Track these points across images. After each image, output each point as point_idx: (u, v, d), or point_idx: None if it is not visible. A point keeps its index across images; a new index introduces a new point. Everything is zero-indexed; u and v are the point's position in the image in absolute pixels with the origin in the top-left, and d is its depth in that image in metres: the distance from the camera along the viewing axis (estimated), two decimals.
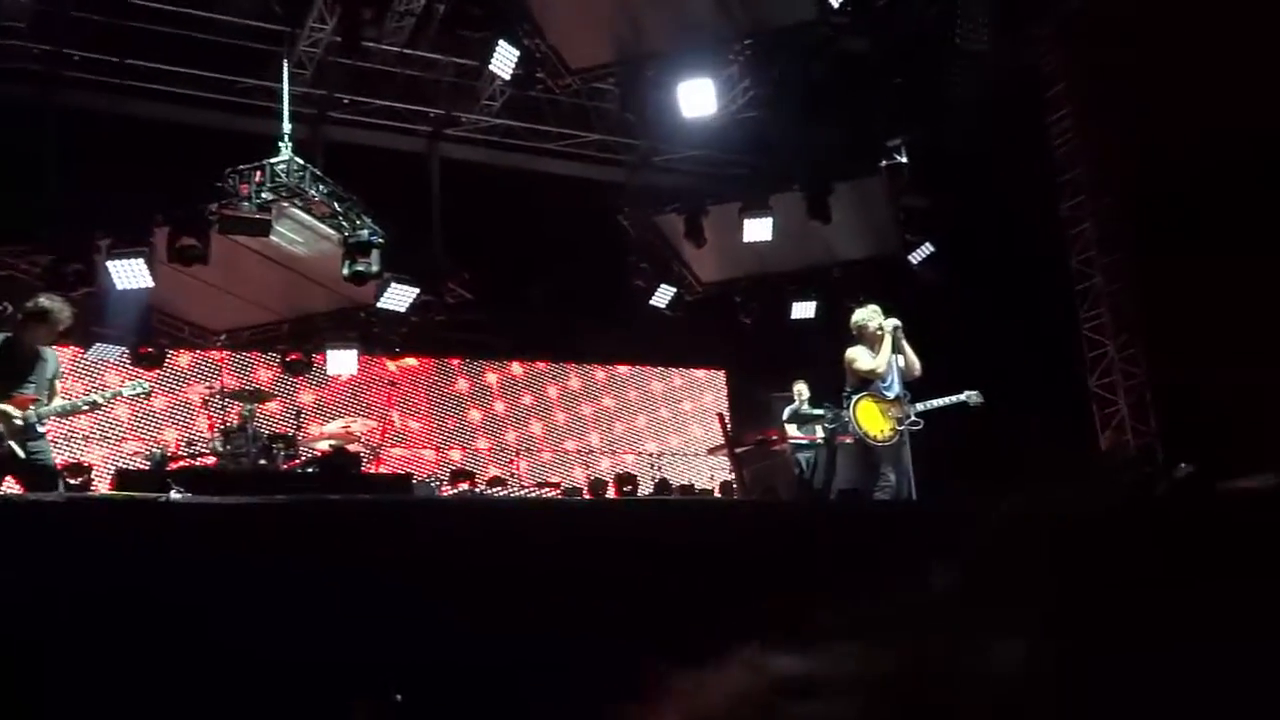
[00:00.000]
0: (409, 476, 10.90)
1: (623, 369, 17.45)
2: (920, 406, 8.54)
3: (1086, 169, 15.89)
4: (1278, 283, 13.25)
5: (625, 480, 14.48)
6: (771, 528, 5.40)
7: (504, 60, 11.93)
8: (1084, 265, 15.95)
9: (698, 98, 12.48)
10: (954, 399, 8.70)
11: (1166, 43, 13.32)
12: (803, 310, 15.77)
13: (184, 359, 14.41)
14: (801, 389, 12.12)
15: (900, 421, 8.30)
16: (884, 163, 13.71)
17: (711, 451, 15.02)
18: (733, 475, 13.33)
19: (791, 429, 11.64)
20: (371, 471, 11.83)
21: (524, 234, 14.94)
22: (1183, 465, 10.84)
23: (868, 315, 8.71)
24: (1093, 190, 15.87)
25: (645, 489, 15.50)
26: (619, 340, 16.95)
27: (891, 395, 8.44)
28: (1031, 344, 18.91)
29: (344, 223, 11.73)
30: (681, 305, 15.34)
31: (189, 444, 11.87)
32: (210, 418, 11.52)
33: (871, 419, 8.29)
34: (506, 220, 14.92)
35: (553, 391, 16.89)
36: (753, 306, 15.77)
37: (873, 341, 8.60)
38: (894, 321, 8.65)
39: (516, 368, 16.74)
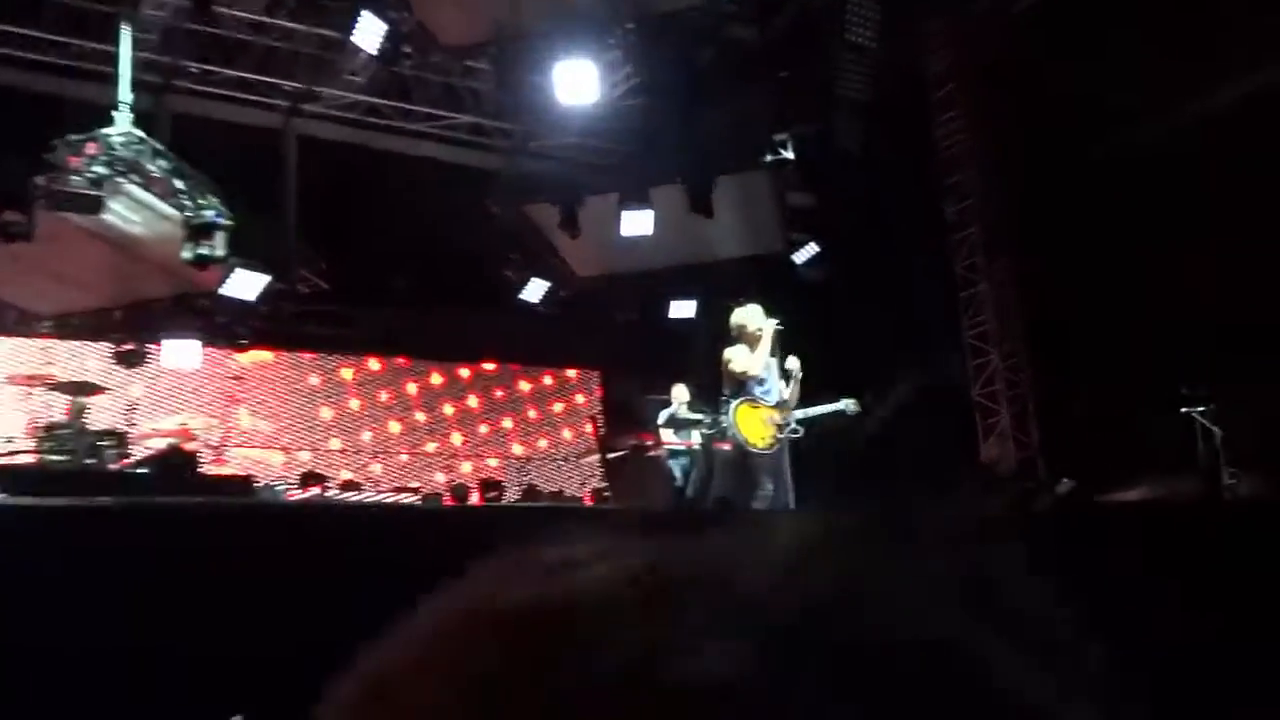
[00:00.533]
0: (251, 479, 10.64)
1: (489, 367, 17.35)
2: (798, 414, 8.66)
3: (973, 173, 16.31)
4: (1169, 291, 13.85)
5: (490, 486, 14.41)
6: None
7: (369, 32, 11.74)
8: (969, 271, 16.37)
9: (577, 82, 12.47)
10: (831, 407, 8.86)
11: (1060, 44, 13.80)
12: (682, 309, 16.00)
13: (4, 345, 13.84)
14: (680, 392, 12.19)
15: (780, 429, 8.41)
16: (769, 158, 13.85)
17: (582, 456, 15.01)
18: (604, 482, 13.33)
19: (667, 434, 11.68)
20: (211, 473, 11.53)
21: (386, 221, 14.76)
22: (1065, 480, 11.22)
23: (747, 315, 8.80)
24: (979, 194, 16.30)
25: (512, 495, 15.45)
26: (486, 336, 16.86)
27: (771, 401, 8.53)
28: (914, 350, 19.42)
29: (186, 202, 11.42)
30: (554, 301, 15.34)
31: (7, 439, 11.38)
32: (32, 411, 11.07)
33: (751, 426, 8.38)
34: (368, 205, 14.75)
35: (413, 389, 16.70)
36: (630, 304, 15.82)
37: (752, 342, 8.68)
38: (773, 323, 8.75)
39: (374, 363, 16.51)
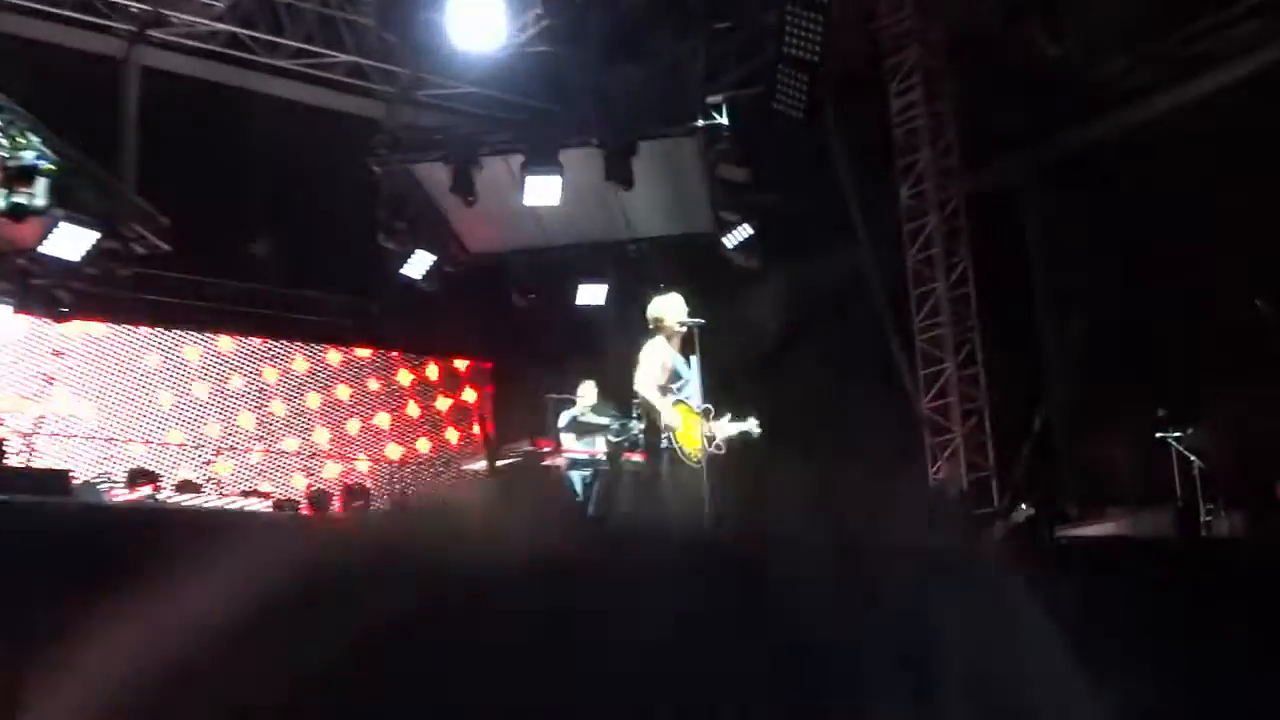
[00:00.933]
0: (68, 474, 10.36)
1: (363, 353, 17.16)
2: (716, 428, 8.66)
3: (932, 154, 16.41)
4: (1151, 295, 14.10)
5: (356, 494, 14.27)
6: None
7: None
8: (924, 265, 16.47)
9: (477, 22, 12.31)
10: (739, 427, 8.84)
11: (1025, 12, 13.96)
12: (592, 294, 15.98)
13: None
14: (587, 391, 12.12)
15: (709, 442, 8.42)
16: (700, 122, 13.84)
17: (468, 463, 14.89)
18: (493, 493, 13.16)
19: (569, 439, 11.60)
20: (19, 465, 11.24)
21: (245, 174, 14.53)
22: (1022, 507, 11.36)
23: (667, 306, 8.75)
24: (939, 179, 16.40)
25: (382, 505, 15.22)
26: (360, 316, 16.72)
27: (698, 409, 8.55)
28: (858, 355, 19.55)
29: (1, 140, 11.17)
30: (441, 278, 15.21)
31: None
32: None
33: (689, 432, 8.38)
34: (223, 154, 14.40)
35: (271, 375, 16.43)
36: (531, 286, 15.74)
37: (671, 338, 8.64)
38: (698, 321, 8.70)
39: (225, 342, 16.20)
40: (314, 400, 16.68)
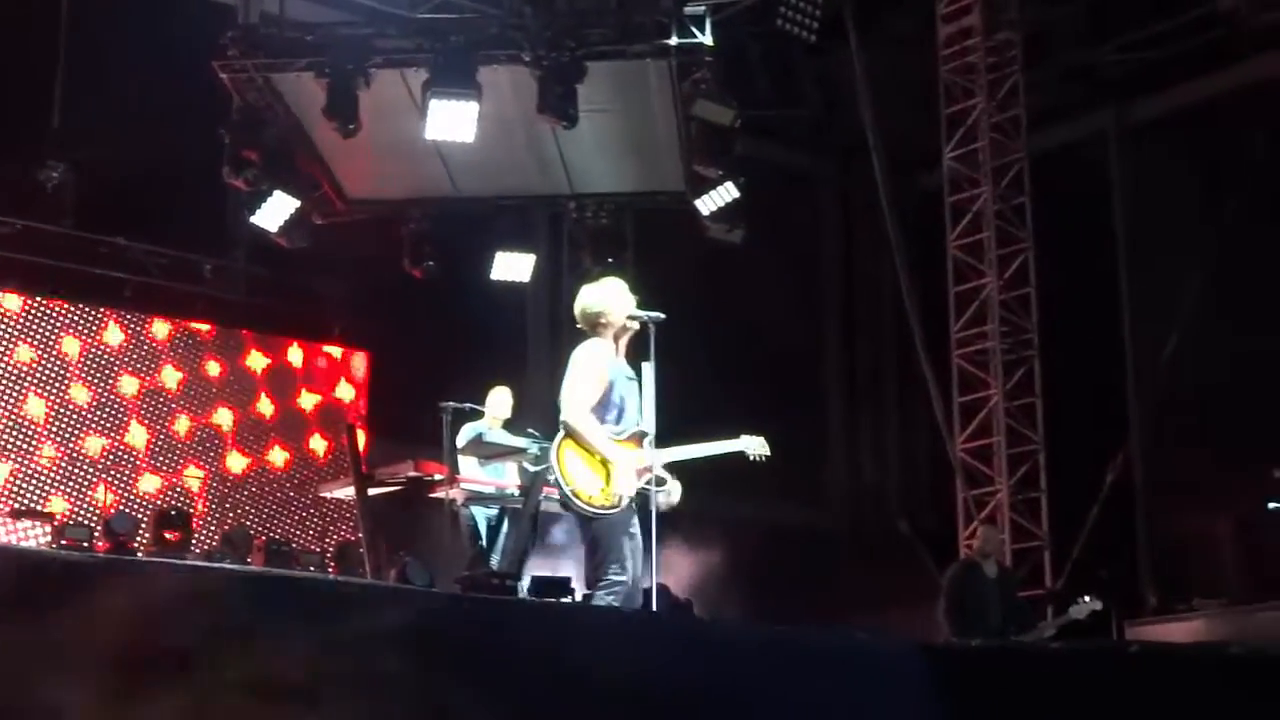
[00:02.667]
0: None
1: (201, 326, 16.90)
2: (673, 454, 8.59)
3: (990, 100, 16.32)
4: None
5: (170, 522, 14.06)
6: None
7: None
8: (969, 253, 16.37)
9: None
10: (728, 446, 8.85)
11: None
12: (513, 267, 15.82)
13: None
14: (498, 401, 12.01)
15: (624, 478, 8.25)
16: (674, 40, 13.70)
17: (327, 487, 14.68)
18: (360, 532, 13.04)
19: (469, 465, 11.47)
20: None
21: (40, 68, 14.46)
22: (1085, 599, 11.25)
23: (609, 298, 8.63)
24: (997, 136, 16.32)
25: (209, 541, 15.00)
26: (196, 278, 16.48)
27: (626, 432, 8.43)
28: (871, 366, 19.47)
29: None
30: (307, 232, 15.01)
31: None
32: None
33: (582, 472, 8.27)
34: (9, 40, 14.22)
35: (72, 348, 16.15)
36: (430, 250, 15.57)
37: (611, 337, 8.53)
38: (654, 315, 8.57)
39: (11, 300, 15.90)
40: (129, 385, 16.39)
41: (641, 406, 8.45)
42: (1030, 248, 16.13)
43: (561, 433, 8.29)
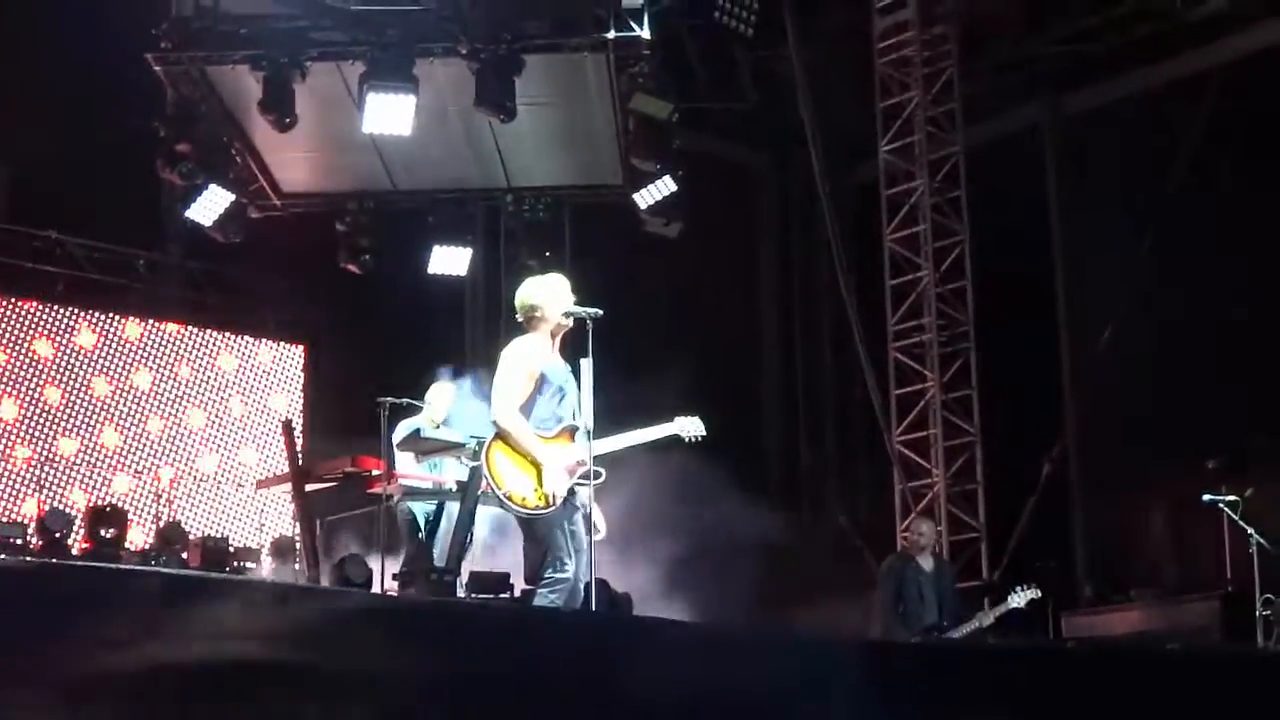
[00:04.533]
0: None
1: (132, 326, 16.81)
2: (608, 444, 8.62)
3: (926, 93, 16.36)
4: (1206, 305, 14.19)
5: (105, 518, 13.94)
6: None
7: None
8: (906, 246, 16.42)
9: None
10: (662, 430, 8.82)
11: None
12: (450, 261, 15.81)
13: None
14: (438, 396, 11.96)
15: (554, 477, 8.26)
16: (612, 34, 13.69)
17: (264, 484, 14.62)
18: (297, 529, 13.00)
19: (406, 460, 11.44)
20: None
21: None
22: (1022, 588, 11.29)
23: (544, 292, 8.63)
24: (933, 129, 16.37)
25: (145, 534, 14.93)
26: (122, 271, 16.38)
27: (554, 429, 8.45)
28: (809, 359, 19.52)
29: None
30: (243, 226, 14.98)
31: None
32: None
33: (513, 473, 8.30)
34: None
35: (44, 349, 16.07)
36: (367, 244, 15.53)
37: (547, 333, 8.52)
38: (590, 311, 8.55)
39: None
40: (52, 393, 16.30)
41: (580, 401, 8.44)
42: (966, 240, 16.14)
43: (492, 433, 8.30)
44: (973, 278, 16.12)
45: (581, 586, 8.36)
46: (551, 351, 8.49)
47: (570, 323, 8.46)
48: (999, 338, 15.92)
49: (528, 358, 8.39)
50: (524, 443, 8.19)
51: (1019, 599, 11.32)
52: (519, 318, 8.57)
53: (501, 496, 8.21)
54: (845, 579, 14.74)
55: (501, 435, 8.27)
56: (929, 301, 16.14)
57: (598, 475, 8.36)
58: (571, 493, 8.34)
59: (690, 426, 8.97)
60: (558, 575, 8.17)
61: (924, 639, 11.01)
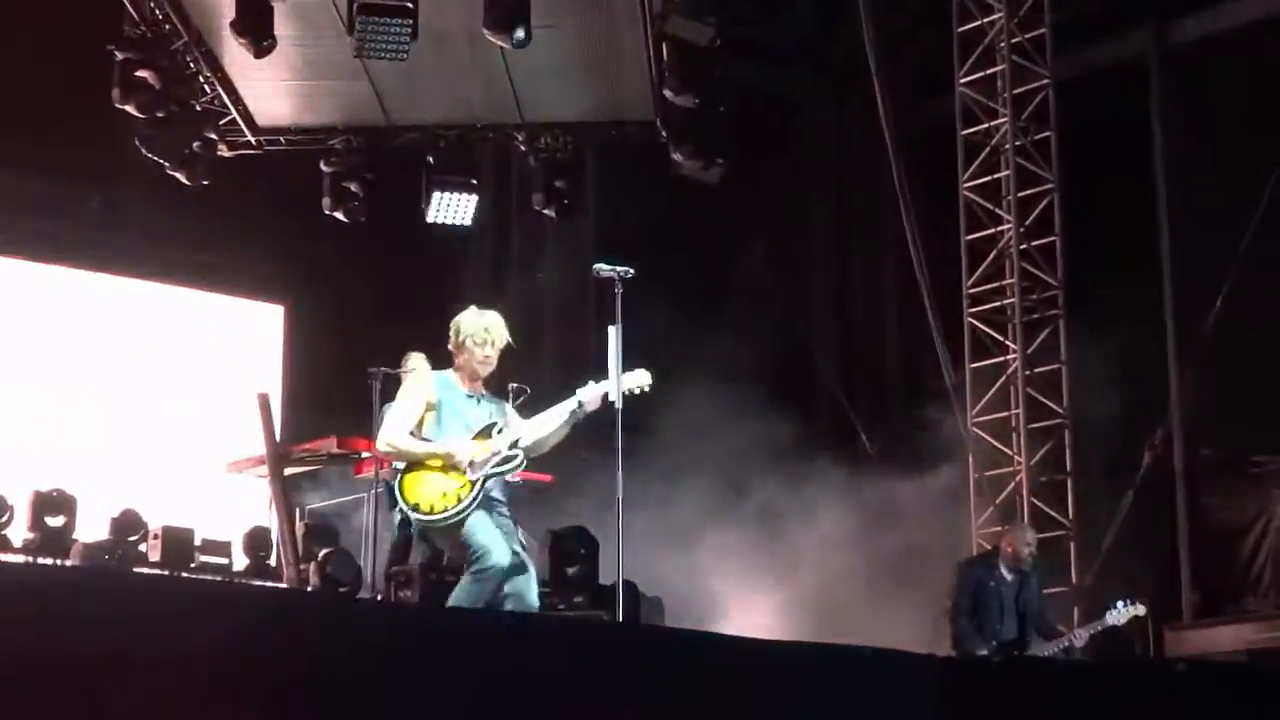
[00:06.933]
0: None
1: (81, 274, 16.82)
2: (525, 428, 9.04)
3: (1011, 15, 16.27)
4: None
5: (52, 505, 13.99)
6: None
7: None
8: (984, 198, 16.37)
9: None
10: (591, 392, 9.08)
11: None
12: (453, 208, 15.81)
13: None
14: (418, 366, 12.05)
15: (475, 466, 8.84)
16: None
17: (237, 467, 14.67)
18: (274, 518, 13.07)
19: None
20: None
21: None
22: (1124, 604, 11.22)
23: (477, 324, 9.12)
24: (1019, 59, 16.29)
25: (92, 527, 14.97)
26: (78, 217, 16.42)
27: (472, 431, 8.97)
28: (869, 327, 19.49)
29: None
30: (211, 165, 15.02)
31: None
32: None
33: (423, 483, 8.92)
34: None
35: None
36: (356, 188, 15.55)
37: (468, 363, 9.08)
38: (624, 270, 8.62)
39: None
40: (45, 353, 16.39)
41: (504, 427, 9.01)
42: (1056, 189, 16.07)
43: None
44: (1063, 233, 16.03)
45: (529, 564, 9.12)
46: (463, 383, 9.16)
47: (488, 365, 9.13)
48: (1093, 303, 15.82)
49: (416, 385, 9.36)
50: (418, 451, 8.96)
51: (1118, 616, 11.27)
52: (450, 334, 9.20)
53: (410, 510, 8.93)
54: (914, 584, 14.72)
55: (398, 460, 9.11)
56: (1011, 260, 16.10)
57: (510, 459, 8.95)
58: (488, 493, 8.95)
59: (632, 380, 9.22)
60: (482, 567, 8.78)
61: (1003, 656, 10.98)
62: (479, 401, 9.11)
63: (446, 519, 8.83)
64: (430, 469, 8.89)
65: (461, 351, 9.10)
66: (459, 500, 8.82)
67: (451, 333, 9.13)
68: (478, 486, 8.84)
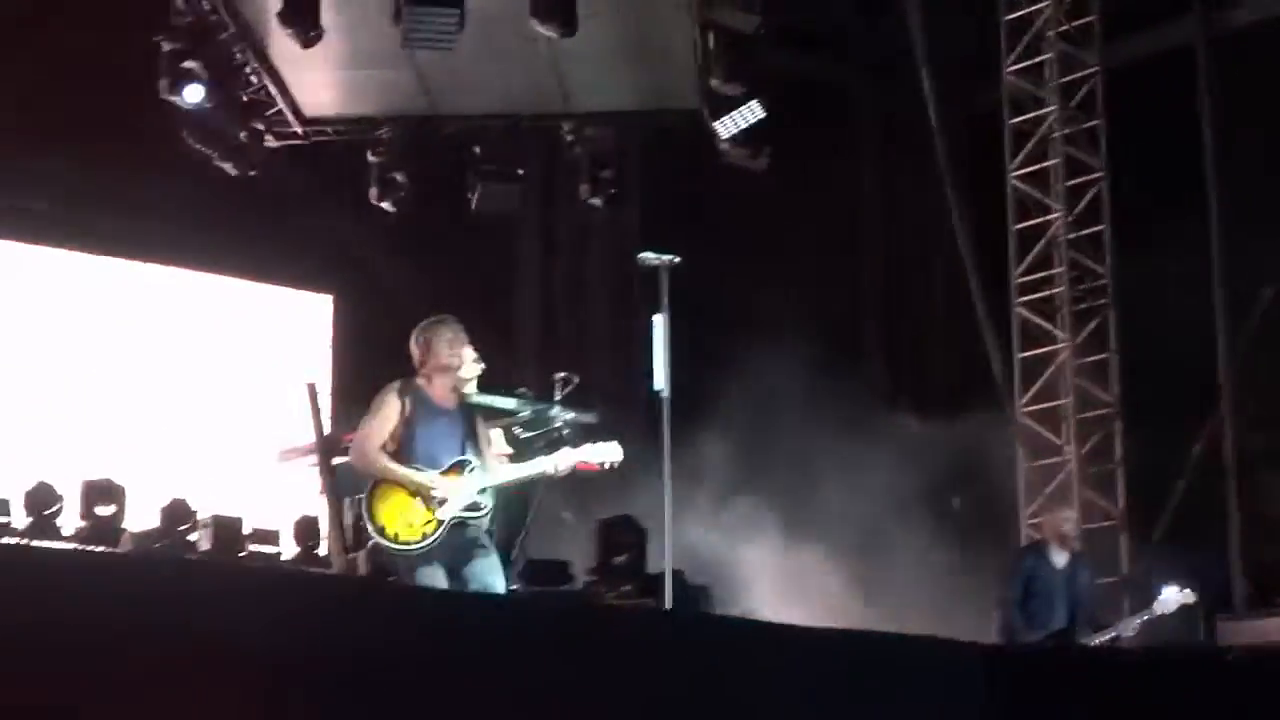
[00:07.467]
0: None
1: (132, 265, 16.88)
2: (506, 474, 9.20)
3: (1064, 3, 16.21)
4: None
5: (102, 494, 14.05)
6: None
7: None
8: (1032, 187, 16.34)
9: None
10: (565, 459, 9.13)
11: None
12: (498, 198, 15.84)
13: None
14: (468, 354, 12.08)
15: (439, 503, 8.86)
16: None
17: (286, 456, 14.70)
18: (323, 507, 13.07)
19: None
20: None
21: None
22: (1172, 590, 11.19)
23: (445, 333, 9.18)
24: (1067, 46, 16.24)
25: (147, 515, 15.02)
26: (127, 205, 16.45)
27: (443, 466, 8.96)
28: (917, 315, 19.47)
29: None
30: (259, 156, 15.12)
31: None
32: None
33: (386, 506, 8.98)
34: None
35: None
36: (403, 178, 15.58)
37: (441, 380, 9.11)
38: (670, 257, 8.65)
39: None
40: (95, 344, 16.45)
41: (465, 445, 9.06)
42: (1104, 178, 16.02)
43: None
44: (1112, 221, 15.96)
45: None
46: (434, 396, 9.14)
47: (457, 362, 9.13)
48: (1143, 292, 15.74)
49: (384, 399, 9.21)
50: (393, 474, 8.95)
51: (1167, 604, 11.23)
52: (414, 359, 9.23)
53: (374, 531, 8.95)
54: (961, 573, 14.70)
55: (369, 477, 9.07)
56: (1060, 249, 16.03)
57: (477, 508, 8.97)
58: (462, 524, 8.96)
59: (604, 454, 9.29)
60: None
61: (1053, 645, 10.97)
62: (452, 416, 9.15)
63: (407, 551, 8.90)
64: (400, 490, 8.93)
65: (430, 362, 9.15)
66: (423, 536, 8.90)
67: (417, 344, 9.19)
68: (443, 527, 8.87)
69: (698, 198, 16.16)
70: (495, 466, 9.16)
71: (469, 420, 9.20)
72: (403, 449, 8.99)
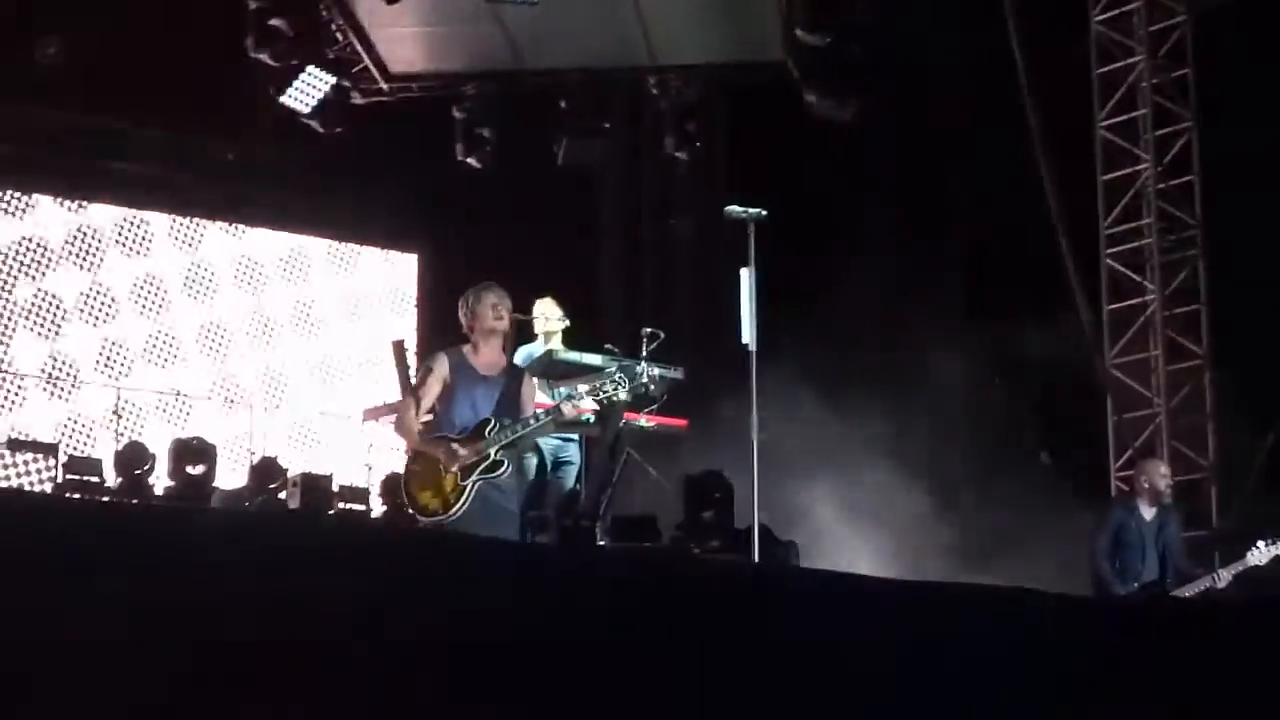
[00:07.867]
0: None
1: (217, 226, 17.00)
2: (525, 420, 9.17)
3: None
4: None
5: (192, 453, 14.16)
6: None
7: None
8: (1120, 137, 16.20)
9: None
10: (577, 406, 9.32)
11: None
12: (583, 153, 15.88)
13: None
14: (545, 311, 12.09)
15: (466, 472, 8.93)
16: None
17: (372, 414, 14.78)
18: (408, 465, 13.14)
19: (535, 389, 11.53)
20: None
21: None
22: (1264, 543, 11.11)
23: (488, 297, 9.41)
24: (1157, 0, 16.12)
25: (237, 473, 15.17)
26: (210, 167, 16.58)
27: (467, 430, 9.07)
28: (1004, 267, 19.35)
29: None
30: (345, 114, 15.22)
31: None
32: None
33: (414, 476, 9.20)
34: None
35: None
36: (488, 133, 15.60)
37: (484, 344, 9.35)
38: (758, 212, 8.62)
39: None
40: (180, 305, 16.62)
41: (499, 409, 9.16)
42: (1194, 127, 15.86)
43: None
44: (1202, 172, 15.80)
45: None
46: (476, 357, 9.34)
47: (503, 326, 9.40)
48: (1234, 242, 15.56)
49: (427, 365, 9.61)
50: (416, 442, 9.24)
51: (1260, 555, 11.17)
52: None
53: (412, 509, 9.21)
54: (1049, 529, 14.63)
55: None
56: (1149, 200, 15.89)
57: (495, 467, 9.03)
58: (485, 489, 9.04)
59: (648, 373, 9.54)
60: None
61: (1145, 596, 10.95)
62: (492, 382, 9.24)
63: (440, 521, 8.97)
64: (429, 460, 9.07)
65: (477, 326, 9.31)
66: (446, 505, 8.98)
67: (463, 310, 9.39)
68: (467, 493, 8.95)
69: (785, 150, 16.08)
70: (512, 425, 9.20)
71: (512, 384, 9.34)
72: (442, 417, 9.21)
